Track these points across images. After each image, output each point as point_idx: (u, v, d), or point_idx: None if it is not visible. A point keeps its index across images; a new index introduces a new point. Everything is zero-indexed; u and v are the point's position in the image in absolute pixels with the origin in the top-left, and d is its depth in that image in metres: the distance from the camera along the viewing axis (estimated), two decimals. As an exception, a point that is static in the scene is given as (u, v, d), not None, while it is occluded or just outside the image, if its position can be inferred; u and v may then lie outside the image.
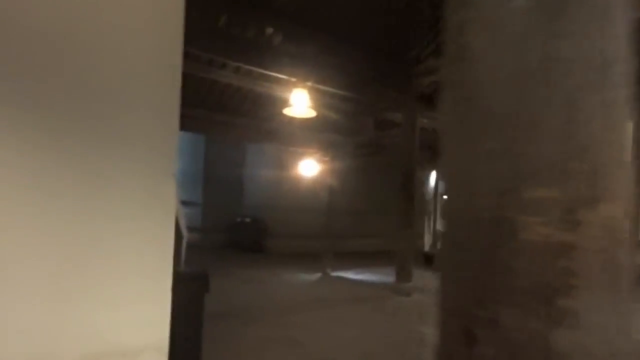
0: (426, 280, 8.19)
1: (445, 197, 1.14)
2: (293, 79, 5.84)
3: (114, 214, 1.53)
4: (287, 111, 5.85)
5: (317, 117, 8.30)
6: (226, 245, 14.50)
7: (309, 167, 9.60)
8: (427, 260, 11.02)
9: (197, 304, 3.78)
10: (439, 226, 11.30)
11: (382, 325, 5.23)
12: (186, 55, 5.74)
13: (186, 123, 7.09)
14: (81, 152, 1.45)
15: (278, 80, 6.40)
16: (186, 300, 3.73)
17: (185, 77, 6.11)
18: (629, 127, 0.98)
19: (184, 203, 15.52)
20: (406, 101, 7.08)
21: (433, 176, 11.64)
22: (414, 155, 7.08)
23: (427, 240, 11.68)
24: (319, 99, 6.77)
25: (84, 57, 1.40)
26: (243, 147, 15.59)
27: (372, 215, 16.21)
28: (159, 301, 1.62)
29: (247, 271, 9.43)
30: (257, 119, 7.77)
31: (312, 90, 5.97)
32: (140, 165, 1.52)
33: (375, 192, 16.57)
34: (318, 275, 8.93)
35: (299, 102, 5.71)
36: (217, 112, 7.29)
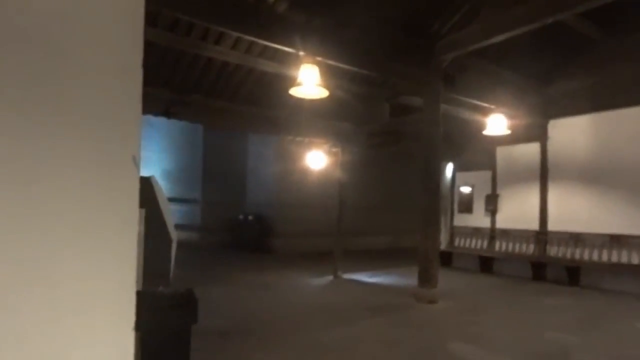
0: (450, 284, 7.32)
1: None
2: (301, 53, 4.94)
3: (52, 216, 0.95)
4: (294, 91, 4.95)
5: (327, 102, 7.40)
6: (228, 245, 13.68)
7: (318, 160, 8.71)
8: (445, 259, 10.13)
9: (180, 339, 2.90)
10: (457, 222, 10.39)
11: (413, 344, 4.35)
12: (175, 26, 4.81)
13: (179, 111, 6.22)
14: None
15: (283, 56, 5.51)
16: (165, 335, 2.86)
17: (177, 55, 5.14)
18: None
19: (182, 201, 14.73)
20: (428, 81, 6.17)
21: (449, 168, 10.69)
22: (438, 142, 6.17)
23: (444, 238, 10.77)
24: (331, 78, 5.87)
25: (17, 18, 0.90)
26: (245, 139, 14.72)
27: (386, 211, 15.34)
28: (117, 339, 1.03)
29: (250, 275, 8.59)
30: (260, 104, 6.88)
31: (322, 67, 5.08)
32: (90, 150, 0.99)
33: (391, 186, 15.68)
34: (329, 278, 8.06)
35: (308, 80, 4.81)
36: (214, 98, 6.40)
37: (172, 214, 4.43)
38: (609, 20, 7.33)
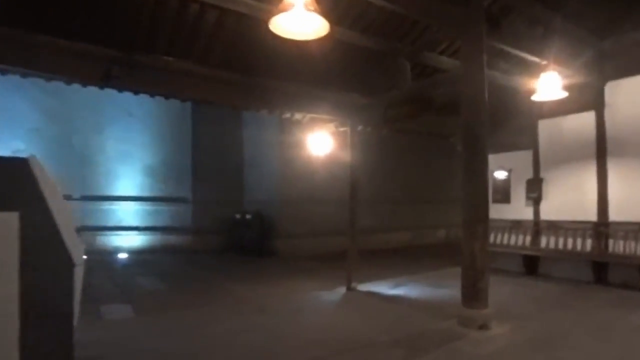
0: (495, 294, 5.62)
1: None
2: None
3: None
4: (275, 25, 3.26)
5: (331, 67, 5.71)
6: (224, 249, 12.12)
7: (322, 144, 7.05)
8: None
9: None
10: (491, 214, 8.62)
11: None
12: None
13: (125, 74, 4.56)
14: None
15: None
16: None
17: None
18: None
19: (170, 200, 13.17)
20: (467, 23, 4.47)
21: None
22: (484, 106, 4.50)
23: None
24: (333, 27, 4.17)
25: None
26: (239, 124, 13.14)
27: (406, 203, 13.65)
28: None
29: (245, 288, 7.00)
30: (240, 68, 5.21)
31: (321, 6, 3.40)
32: None
33: (410, 173, 13.99)
34: (342, 291, 6.40)
35: (298, 4, 3.13)
36: (176, 57, 4.73)
37: (72, 218, 2.80)
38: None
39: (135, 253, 11.68)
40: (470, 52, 4.49)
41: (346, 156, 6.68)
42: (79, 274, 2.54)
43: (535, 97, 5.68)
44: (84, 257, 2.72)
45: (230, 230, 12.21)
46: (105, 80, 4.37)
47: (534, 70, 5.79)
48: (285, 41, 3.34)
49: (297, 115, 6.63)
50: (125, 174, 12.33)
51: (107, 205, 12.10)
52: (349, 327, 4.67)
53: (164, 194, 12.63)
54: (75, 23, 4.24)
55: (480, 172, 4.49)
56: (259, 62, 5.24)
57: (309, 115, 6.62)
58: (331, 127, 6.89)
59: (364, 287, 6.56)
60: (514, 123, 8.03)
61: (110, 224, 12.09)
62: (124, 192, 12.30)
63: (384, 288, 6.57)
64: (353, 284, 6.44)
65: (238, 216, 12.01)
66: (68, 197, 11.83)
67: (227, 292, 6.68)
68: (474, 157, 4.50)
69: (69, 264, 2.43)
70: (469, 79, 4.47)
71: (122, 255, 11.39)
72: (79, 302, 2.60)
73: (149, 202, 12.47)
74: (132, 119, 12.36)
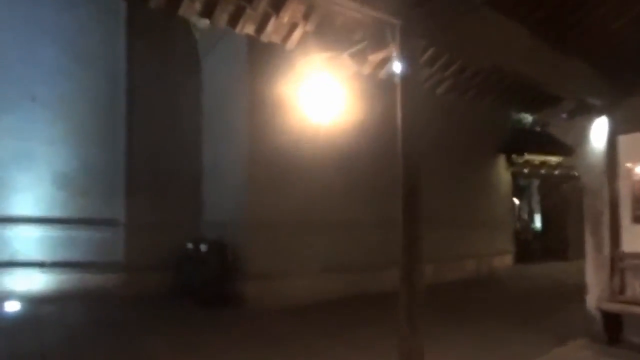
0: None
1: None
2: None
3: None
4: None
5: None
6: (169, 294, 8.24)
7: (331, 101, 3.33)
8: (610, 327, 4.53)
9: None
10: (630, 244, 4.83)
11: None
12: None
13: None
14: None
15: None
16: None
17: None
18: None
19: (91, 223, 8.82)
20: None
21: (597, 128, 4.99)
22: None
23: (595, 278, 5.02)
24: None
25: None
26: (199, 107, 9.49)
27: (429, 226, 10.02)
28: None
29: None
30: None
31: None
32: None
33: (436, 181, 10.66)
34: None
35: None
36: None
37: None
38: None
39: (35, 302, 7.79)
40: None
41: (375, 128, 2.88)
42: None
43: None
44: None
45: (178, 267, 8.32)
46: None
47: None
48: None
49: (273, 32, 2.84)
50: (25, 184, 8.43)
51: (-4, 231, 8.18)
52: None
53: (83, 214, 8.72)
54: None
55: None
56: None
57: (300, 29, 2.85)
58: (349, 62, 3.12)
59: None
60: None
61: (1, 257, 8.23)
62: (23, 211, 8.40)
63: None
64: None
65: (190, 246, 8.14)
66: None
67: None
68: None
69: None
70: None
71: (12, 306, 7.54)
72: None
73: (60, 226, 8.57)
74: (37, 106, 8.52)
